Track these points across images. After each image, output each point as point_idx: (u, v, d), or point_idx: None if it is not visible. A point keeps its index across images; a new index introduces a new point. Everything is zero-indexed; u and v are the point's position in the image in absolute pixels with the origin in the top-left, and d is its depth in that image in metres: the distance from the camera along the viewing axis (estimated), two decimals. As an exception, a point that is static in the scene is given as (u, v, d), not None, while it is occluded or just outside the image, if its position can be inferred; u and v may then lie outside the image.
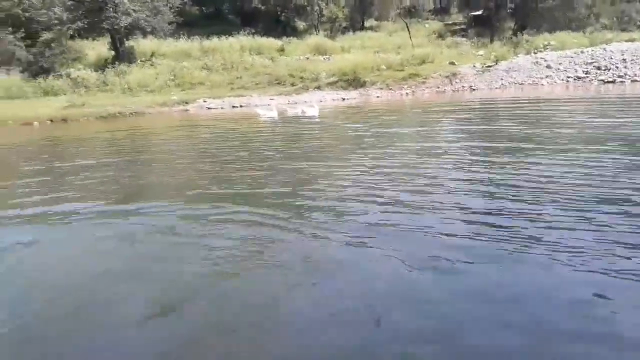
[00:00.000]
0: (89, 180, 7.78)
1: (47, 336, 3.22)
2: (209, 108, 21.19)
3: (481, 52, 27.43)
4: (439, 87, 22.58)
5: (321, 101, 20.72)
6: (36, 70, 25.81)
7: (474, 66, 24.11)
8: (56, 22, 27.70)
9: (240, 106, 21.19)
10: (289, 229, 4.74)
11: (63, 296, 3.77)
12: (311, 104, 17.73)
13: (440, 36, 34.22)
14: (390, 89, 22.71)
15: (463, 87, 22.36)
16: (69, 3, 27.35)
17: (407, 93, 22.19)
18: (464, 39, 32.40)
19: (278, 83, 24.81)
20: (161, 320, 3.28)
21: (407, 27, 34.19)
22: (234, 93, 23.49)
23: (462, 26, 38.85)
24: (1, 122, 19.18)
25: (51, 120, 19.56)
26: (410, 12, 42.26)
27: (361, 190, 6.00)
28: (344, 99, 21.29)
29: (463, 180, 6.14)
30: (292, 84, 24.24)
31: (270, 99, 21.94)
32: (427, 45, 29.94)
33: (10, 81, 24.55)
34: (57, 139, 14.42)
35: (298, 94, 22.66)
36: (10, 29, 26.82)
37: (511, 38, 31.19)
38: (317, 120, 14.74)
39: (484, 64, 24.22)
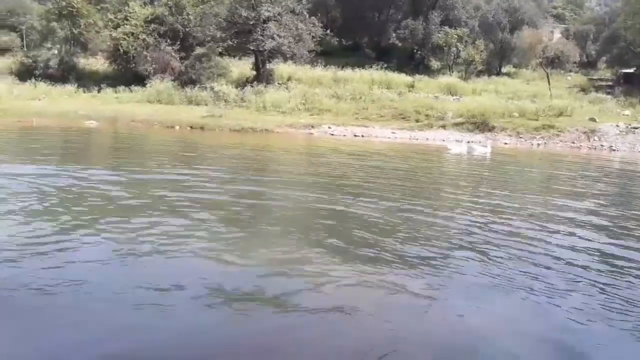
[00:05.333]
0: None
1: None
2: (332, 134, 21.82)
3: (627, 111, 25.36)
4: (574, 142, 21.23)
5: (444, 140, 20.44)
6: (185, 80, 28.43)
7: (617, 125, 22.33)
8: (209, 39, 30.46)
9: (362, 135, 21.56)
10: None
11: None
12: (484, 144, 17.59)
13: (583, 90, 32.18)
14: (521, 137, 21.78)
15: (602, 145, 20.81)
16: (224, 23, 29.95)
17: (538, 144, 21.15)
18: (608, 96, 30.18)
19: (402, 118, 24.87)
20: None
21: (548, 76, 32.65)
22: (357, 122, 23.96)
23: (609, 83, 36.28)
24: (149, 124, 21.38)
25: (191, 127, 21.38)
26: (553, 63, 40.26)
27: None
28: (468, 142, 20.79)
29: None
30: (417, 120, 24.16)
31: (392, 132, 22.07)
32: (567, 97, 28.30)
33: (162, 87, 27.28)
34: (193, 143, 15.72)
35: (421, 131, 22.54)
36: (169, 40, 29.91)
37: (666, 100, 28.50)
38: (489, 158, 14.81)
39: (630, 124, 22.34)
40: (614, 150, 20.22)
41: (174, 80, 28.54)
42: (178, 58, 29.76)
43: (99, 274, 4.31)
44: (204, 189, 8.24)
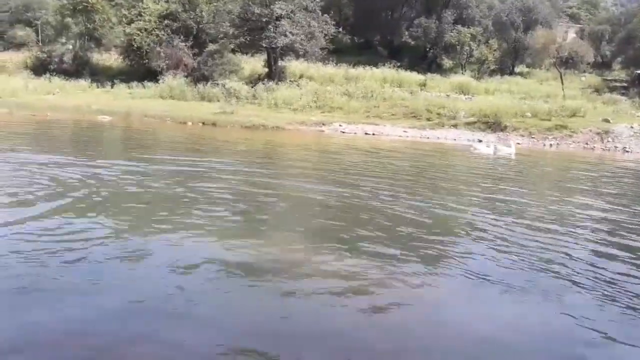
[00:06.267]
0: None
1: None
2: (343, 132, 21.82)
3: (642, 113, 25.07)
4: (587, 144, 21.06)
5: (455, 140, 20.39)
6: (198, 76, 28.55)
7: (632, 127, 22.10)
8: (222, 35, 30.57)
9: (373, 134, 21.54)
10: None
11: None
12: (508, 143, 17.46)
13: (597, 91, 31.85)
14: (533, 137, 21.65)
15: (615, 147, 20.63)
16: (236, 20, 30.04)
17: (550, 144, 21.01)
18: (623, 97, 29.85)
19: (414, 116, 24.80)
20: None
21: (561, 76, 32.38)
22: (368, 121, 23.94)
23: (624, 84, 35.87)
24: (161, 119, 21.52)
25: (203, 123, 21.48)
26: (567, 63, 39.88)
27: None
28: (480, 141, 20.70)
29: None
30: (428, 119, 24.08)
31: (404, 131, 22.04)
32: (580, 98, 28.04)
33: (175, 83, 27.43)
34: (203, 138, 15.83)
35: (432, 129, 22.47)
36: (182, 37, 30.07)
37: (681, 102, 28.15)
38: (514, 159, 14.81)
39: (644, 126, 22.11)
40: (627, 151, 20.03)
41: (186, 77, 28.67)
42: (191, 54, 29.89)
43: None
44: (217, 181, 8.37)
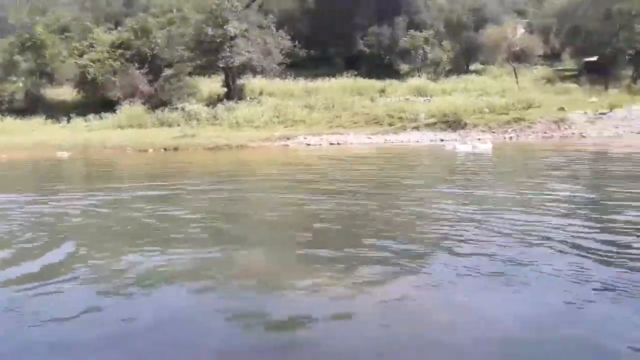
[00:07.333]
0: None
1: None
2: (307, 144, 21.82)
3: (594, 98, 25.89)
4: (545, 133, 21.59)
5: (418, 142, 20.65)
6: (156, 102, 28.18)
7: (585, 113, 22.81)
8: (177, 59, 30.34)
9: (338, 143, 21.60)
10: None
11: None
12: (484, 140, 17.75)
13: (550, 82, 32.83)
14: (493, 132, 22.07)
15: (572, 133, 21.22)
16: (191, 43, 29.87)
17: (510, 137, 21.45)
18: (575, 85, 30.84)
19: (376, 122, 25.01)
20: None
21: (515, 71, 33.25)
22: (331, 131, 24.02)
23: (574, 73, 37.07)
24: (122, 149, 21.12)
25: (164, 149, 21.17)
26: (519, 57, 40.94)
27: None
28: (442, 140, 20.98)
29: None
30: (390, 124, 24.32)
31: (368, 138, 22.18)
32: (535, 90, 28.83)
33: (133, 111, 27.01)
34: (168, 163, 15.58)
35: (395, 134, 22.69)
36: (136, 64, 29.70)
37: (629, 86, 29.21)
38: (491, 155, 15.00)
39: (597, 111, 22.83)
40: (584, 137, 20.60)
41: (144, 104, 28.28)
42: (147, 81, 29.51)
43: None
44: (185, 203, 8.23)
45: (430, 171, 13.30)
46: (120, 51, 29.86)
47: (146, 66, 29.78)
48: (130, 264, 5.03)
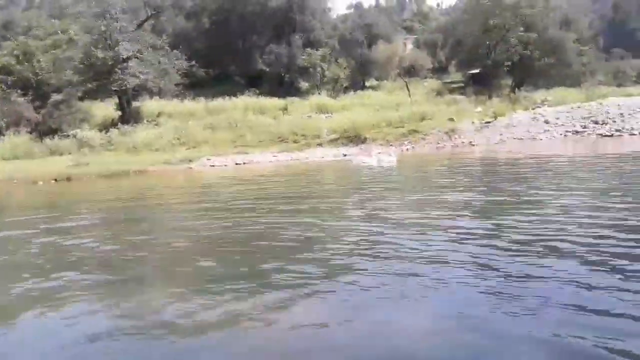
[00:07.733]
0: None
1: None
2: (212, 165, 21.44)
3: (479, 108, 27.95)
4: (438, 143, 22.89)
5: (323, 157, 21.05)
6: (44, 130, 26.37)
7: (473, 122, 24.53)
8: (66, 84, 28.64)
9: (244, 163, 21.44)
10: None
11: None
12: (388, 153, 17.99)
13: (439, 94, 35.04)
14: (391, 144, 23.02)
15: (462, 142, 22.66)
16: (80, 66, 28.36)
17: (407, 149, 22.48)
18: (462, 96, 33.13)
19: (281, 140, 25.22)
20: None
21: (407, 85, 35.10)
22: (236, 150, 23.84)
23: (461, 84, 39.85)
24: (7, 182, 19.45)
25: (55, 180, 19.77)
26: (410, 72, 43.43)
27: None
28: (345, 155, 21.55)
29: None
30: (295, 141, 24.63)
31: (273, 156, 22.25)
32: (426, 102, 30.61)
33: (18, 141, 25.04)
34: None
35: (300, 151, 22.97)
36: (19, 91, 27.65)
37: (509, 95, 31.89)
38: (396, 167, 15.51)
39: (483, 120, 24.65)
40: (473, 145, 22.10)
41: (31, 132, 26.37)
42: (32, 108, 27.57)
43: None
44: (78, 239, 7.65)
45: (338, 187, 13.51)
46: (0, 77, 27.66)
47: (31, 92, 27.83)
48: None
